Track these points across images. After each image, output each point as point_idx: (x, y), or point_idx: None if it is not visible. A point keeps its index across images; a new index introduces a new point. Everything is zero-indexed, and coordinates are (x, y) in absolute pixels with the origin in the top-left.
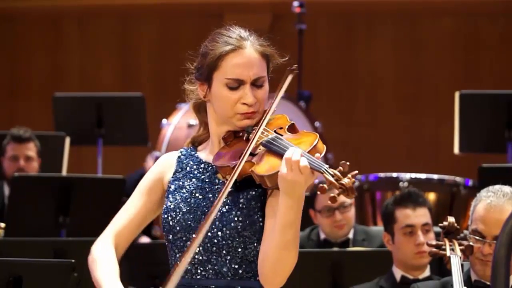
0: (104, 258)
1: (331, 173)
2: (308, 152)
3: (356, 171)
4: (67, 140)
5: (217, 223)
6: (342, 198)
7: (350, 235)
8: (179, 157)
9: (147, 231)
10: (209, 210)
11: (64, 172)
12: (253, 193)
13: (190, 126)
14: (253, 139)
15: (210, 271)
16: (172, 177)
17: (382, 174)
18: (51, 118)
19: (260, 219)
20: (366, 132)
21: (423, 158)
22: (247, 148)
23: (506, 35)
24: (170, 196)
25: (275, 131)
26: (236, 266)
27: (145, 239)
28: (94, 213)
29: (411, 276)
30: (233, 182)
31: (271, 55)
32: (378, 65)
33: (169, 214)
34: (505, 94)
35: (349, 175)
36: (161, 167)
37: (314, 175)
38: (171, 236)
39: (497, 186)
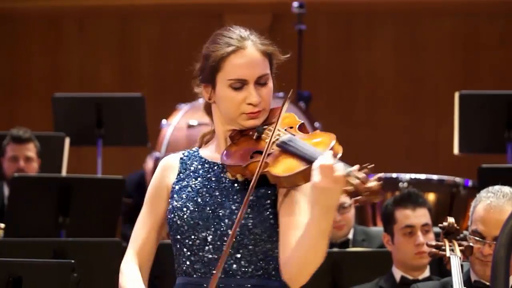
0: (129, 276)
1: (356, 176)
2: None
3: (380, 174)
4: (67, 141)
5: (226, 221)
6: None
7: (350, 236)
8: (181, 158)
9: None
10: (216, 208)
11: (63, 173)
12: (263, 190)
13: (190, 126)
14: (270, 140)
15: (221, 270)
16: (176, 178)
17: (381, 175)
18: (51, 118)
19: (271, 217)
20: (365, 132)
21: (423, 158)
22: (265, 150)
23: (506, 36)
24: (175, 195)
25: (285, 130)
26: (246, 264)
27: None
28: (94, 213)
29: (410, 277)
30: (243, 180)
31: (273, 53)
32: (378, 66)
33: (176, 214)
34: (505, 94)
35: (375, 178)
36: (163, 171)
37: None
38: (179, 235)
39: (496, 187)
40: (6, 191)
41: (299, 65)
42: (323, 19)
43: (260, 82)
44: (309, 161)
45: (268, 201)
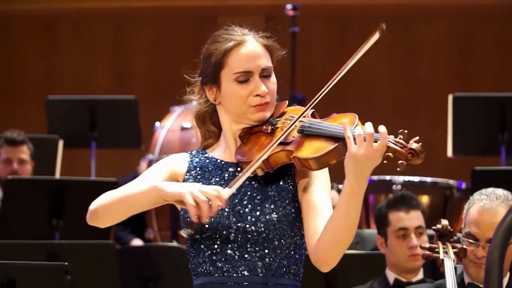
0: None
1: (393, 141)
2: None
3: (417, 137)
4: (61, 143)
5: (249, 218)
6: (333, 200)
7: None
8: (190, 156)
9: (140, 234)
10: (236, 206)
11: (57, 175)
12: (282, 184)
13: (183, 129)
14: (290, 126)
15: (243, 267)
16: (187, 175)
17: (375, 177)
18: (45, 120)
19: (293, 211)
20: None
21: None
22: (282, 133)
23: (500, 38)
24: None
25: (301, 121)
26: (270, 261)
27: (137, 242)
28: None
29: (404, 279)
30: (262, 175)
31: (273, 46)
32: (372, 68)
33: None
34: (499, 97)
35: (413, 140)
36: (173, 160)
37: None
38: (198, 235)
39: (490, 189)
40: None
41: (293, 67)
42: (316, 21)
43: (264, 75)
44: (337, 138)
45: (289, 195)
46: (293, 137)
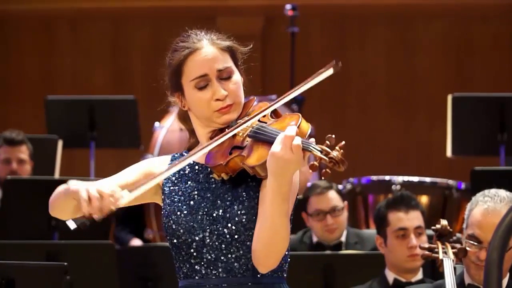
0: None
1: (319, 149)
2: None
3: (343, 142)
4: (60, 143)
5: (221, 220)
6: (332, 200)
7: (343, 238)
8: (171, 160)
9: (139, 234)
10: (209, 210)
11: (56, 175)
12: (251, 183)
13: (182, 129)
14: (235, 128)
15: (221, 270)
16: (165, 179)
17: (374, 177)
18: (44, 120)
19: None
20: (358, 135)
21: (416, 161)
22: (223, 134)
23: (499, 38)
24: (167, 199)
25: (259, 121)
26: (246, 261)
27: (137, 242)
28: None
29: (403, 279)
30: (229, 179)
31: (232, 46)
32: (371, 68)
33: (170, 218)
34: (498, 97)
35: (337, 147)
36: (152, 161)
37: (305, 159)
38: (175, 239)
39: (493, 191)
40: None
41: (292, 68)
42: (316, 21)
43: (223, 77)
44: None
45: (257, 194)
46: (246, 141)
